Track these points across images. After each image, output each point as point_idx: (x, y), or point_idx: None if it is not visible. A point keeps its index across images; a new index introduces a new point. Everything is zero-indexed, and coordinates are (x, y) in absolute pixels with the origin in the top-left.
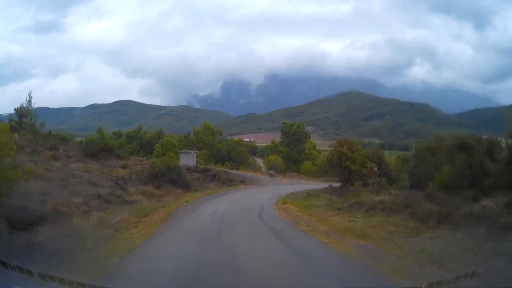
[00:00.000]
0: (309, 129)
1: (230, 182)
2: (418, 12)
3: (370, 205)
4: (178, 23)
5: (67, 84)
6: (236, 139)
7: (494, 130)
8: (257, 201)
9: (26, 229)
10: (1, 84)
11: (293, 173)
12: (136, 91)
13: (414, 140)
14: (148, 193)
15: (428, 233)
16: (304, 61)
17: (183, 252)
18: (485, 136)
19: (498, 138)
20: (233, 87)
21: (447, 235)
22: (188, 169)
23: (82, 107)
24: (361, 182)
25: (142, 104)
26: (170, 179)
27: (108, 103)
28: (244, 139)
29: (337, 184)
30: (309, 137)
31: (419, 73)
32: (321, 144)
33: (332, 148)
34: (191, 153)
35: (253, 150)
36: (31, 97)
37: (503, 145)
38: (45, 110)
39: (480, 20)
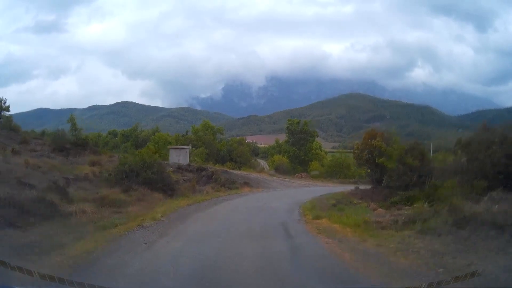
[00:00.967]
0: None
1: (230, 184)
2: (419, 13)
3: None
4: (178, 25)
5: (68, 85)
6: (238, 138)
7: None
8: (273, 214)
9: None
10: (2, 84)
11: (302, 174)
12: (136, 92)
13: (421, 141)
14: (108, 199)
15: None
16: (305, 62)
17: None
18: None
19: None
20: (234, 89)
21: None
22: (179, 168)
23: (83, 108)
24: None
25: (142, 106)
26: (146, 180)
27: (108, 104)
28: (246, 141)
29: (363, 186)
30: (317, 135)
31: (421, 75)
32: (323, 146)
33: (360, 142)
34: (183, 148)
35: (255, 152)
36: None
37: None
38: (46, 111)
39: (481, 21)
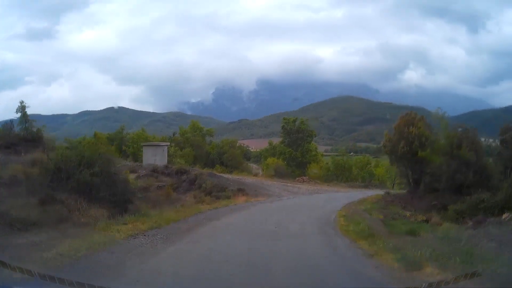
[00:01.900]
0: None
1: (219, 192)
2: (411, 17)
3: None
4: (170, 31)
5: (60, 91)
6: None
7: (492, 132)
8: (302, 251)
9: None
10: None
11: (304, 178)
12: (128, 98)
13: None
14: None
15: None
16: (297, 67)
17: None
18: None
19: None
20: (225, 93)
21: None
22: (154, 170)
23: (74, 114)
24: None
25: (133, 111)
26: (83, 185)
27: (100, 109)
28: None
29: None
30: (315, 135)
31: (413, 77)
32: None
33: (392, 133)
34: (159, 146)
35: (247, 156)
36: None
37: None
38: (38, 117)
39: (473, 23)
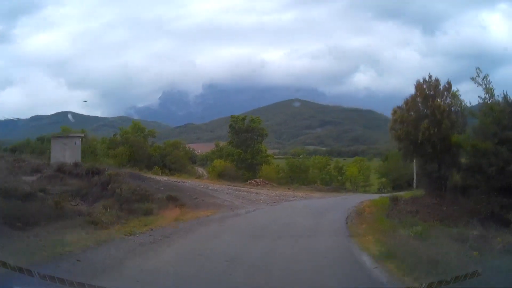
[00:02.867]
0: None
1: (140, 203)
2: (364, 19)
3: None
4: (120, 35)
5: (13, 96)
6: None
7: None
8: None
9: None
10: None
11: (257, 180)
12: (78, 102)
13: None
14: None
15: None
16: (244, 70)
17: None
18: None
19: None
20: (172, 97)
21: None
22: (59, 169)
23: (26, 119)
24: None
25: (82, 116)
26: None
27: (50, 114)
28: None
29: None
30: (266, 134)
31: (363, 80)
32: None
33: (404, 109)
34: (70, 138)
35: (193, 159)
36: None
37: None
38: None
39: (429, 25)
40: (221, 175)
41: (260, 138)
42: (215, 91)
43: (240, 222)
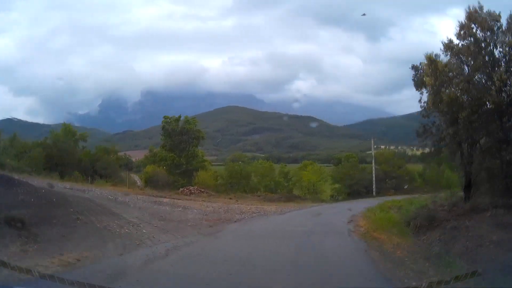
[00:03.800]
0: None
1: None
2: (305, 26)
3: None
4: (64, 41)
5: None
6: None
7: (389, 139)
8: None
9: None
10: None
11: (191, 188)
12: (22, 109)
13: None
14: None
15: None
16: (182, 77)
17: None
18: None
19: None
20: (111, 104)
21: None
22: None
23: None
24: None
25: (25, 123)
26: None
27: None
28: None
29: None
30: (203, 137)
31: (303, 87)
32: None
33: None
34: None
35: (129, 166)
36: None
37: None
38: None
39: (373, 31)
40: (150, 181)
41: (196, 141)
42: (154, 98)
43: None
